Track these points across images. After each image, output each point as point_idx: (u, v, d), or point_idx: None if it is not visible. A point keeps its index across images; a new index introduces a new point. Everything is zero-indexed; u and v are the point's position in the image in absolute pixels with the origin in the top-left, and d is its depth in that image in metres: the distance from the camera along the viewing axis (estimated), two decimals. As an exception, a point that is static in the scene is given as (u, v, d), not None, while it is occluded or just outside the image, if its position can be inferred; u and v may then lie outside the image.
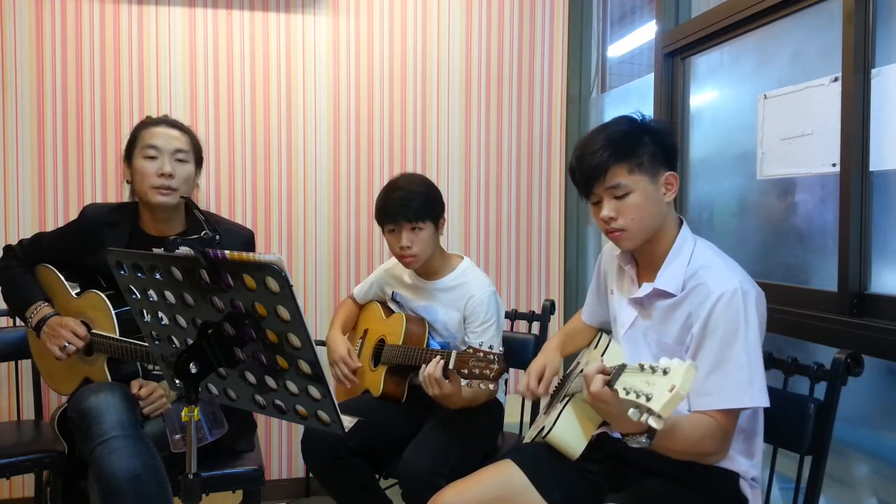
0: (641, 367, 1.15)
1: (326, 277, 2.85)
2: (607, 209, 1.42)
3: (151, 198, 1.86)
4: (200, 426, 1.23)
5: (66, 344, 1.81)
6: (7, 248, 2.04)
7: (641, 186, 1.40)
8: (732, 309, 1.32)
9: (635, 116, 1.48)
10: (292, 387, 1.16)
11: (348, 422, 1.17)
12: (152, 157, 1.86)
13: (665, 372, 1.09)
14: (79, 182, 2.62)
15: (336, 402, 1.14)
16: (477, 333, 1.98)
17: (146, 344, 1.70)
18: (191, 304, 1.19)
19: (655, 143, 1.43)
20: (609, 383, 1.19)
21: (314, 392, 1.14)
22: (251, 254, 1.06)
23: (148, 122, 1.95)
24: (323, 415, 1.17)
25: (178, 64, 2.67)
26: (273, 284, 1.03)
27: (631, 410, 1.10)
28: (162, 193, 1.85)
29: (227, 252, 1.08)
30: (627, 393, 1.12)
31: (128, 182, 1.95)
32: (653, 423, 1.07)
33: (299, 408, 1.19)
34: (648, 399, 1.07)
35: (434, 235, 2.00)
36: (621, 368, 1.20)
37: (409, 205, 1.93)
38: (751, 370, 1.31)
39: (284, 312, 1.06)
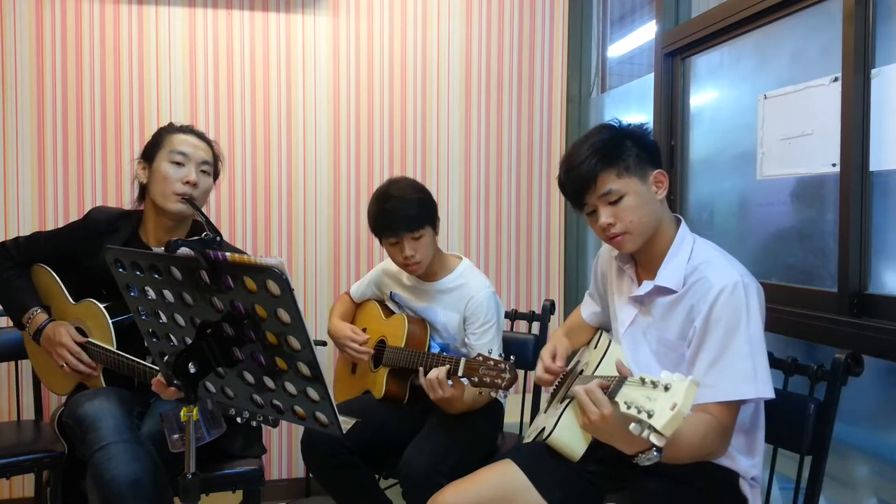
0: (642, 381, 1.14)
1: (326, 277, 2.85)
2: (605, 216, 1.43)
3: (169, 204, 1.83)
4: (199, 426, 1.23)
5: (63, 365, 1.81)
6: (0, 245, 1.98)
7: (633, 188, 1.41)
8: (734, 301, 1.32)
9: (613, 123, 1.50)
10: (291, 388, 1.16)
11: (346, 423, 1.17)
12: (179, 164, 1.83)
13: (666, 388, 1.09)
14: (79, 182, 2.62)
15: (335, 404, 1.14)
16: (477, 335, 1.97)
17: (141, 361, 1.70)
18: (189, 303, 1.19)
19: (638, 146, 1.44)
20: (609, 394, 1.18)
21: (313, 393, 1.14)
22: (252, 256, 1.05)
23: (175, 129, 1.90)
24: (321, 416, 1.17)
25: (178, 64, 2.67)
26: (274, 287, 1.03)
27: (632, 426, 1.09)
28: (181, 201, 1.82)
29: (227, 254, 1.08)
30: (629, 407, 1.11)
31: (140, 183, 1.91)
32: (654, 439, 1.06)
33: (297, 408, 1.19)
34: (650, 415, 1.06)
35: (434, 239, 1.98)
36: (622, 380, 1.19)
37: (408, 214, 1.88)
38: (754, 361, 1.31)
39: (285, 315, 1.06)
